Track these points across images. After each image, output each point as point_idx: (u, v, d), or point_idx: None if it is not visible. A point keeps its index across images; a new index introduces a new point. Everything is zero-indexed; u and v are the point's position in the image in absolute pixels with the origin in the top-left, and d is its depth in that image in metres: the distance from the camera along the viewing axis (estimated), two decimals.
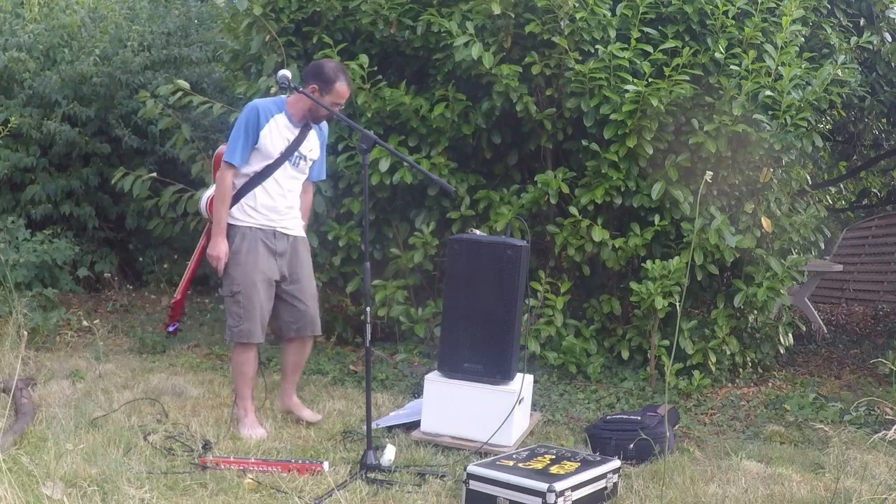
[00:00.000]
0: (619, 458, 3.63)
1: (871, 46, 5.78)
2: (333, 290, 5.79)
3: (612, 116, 4.95)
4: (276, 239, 4.01)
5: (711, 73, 5.11)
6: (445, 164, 5.32)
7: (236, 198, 3.97)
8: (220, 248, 3.93)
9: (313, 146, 4.10)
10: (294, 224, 4.12)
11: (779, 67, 4.96)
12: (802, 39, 5.32)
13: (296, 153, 4.01)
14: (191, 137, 6.17)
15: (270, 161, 3.95)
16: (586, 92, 5.05)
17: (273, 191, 3.98)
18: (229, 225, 3.96)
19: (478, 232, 4.53)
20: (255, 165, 3.96)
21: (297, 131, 4.00)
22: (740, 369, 5.50)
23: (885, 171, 10.62)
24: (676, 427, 4.36)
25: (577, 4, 4.92)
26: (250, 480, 3.35)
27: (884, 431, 3.24)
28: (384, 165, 5.18)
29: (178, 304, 4.21)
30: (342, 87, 3.94)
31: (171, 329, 4.26)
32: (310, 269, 4.19)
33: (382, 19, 5.36)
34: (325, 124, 4.20)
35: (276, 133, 3.95)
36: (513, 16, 5.06)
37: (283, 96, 4.06)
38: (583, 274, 5.40)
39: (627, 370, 5.25)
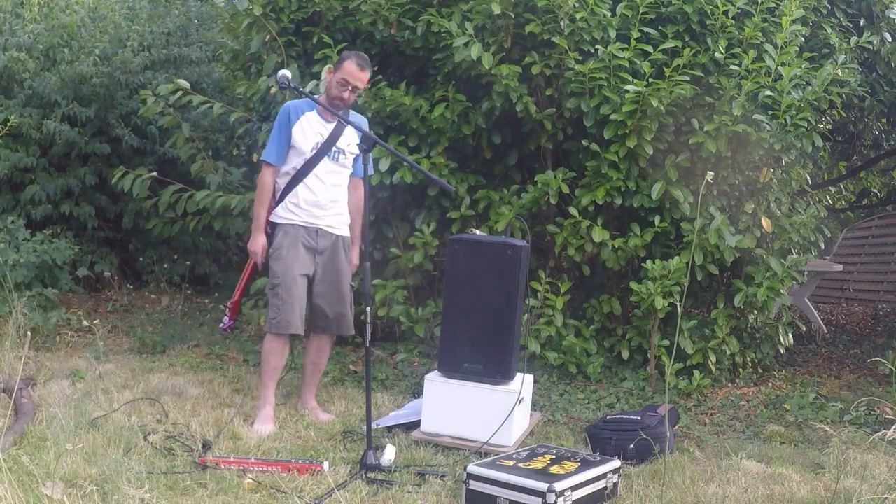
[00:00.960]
0: (619, 458, 3.63)
1: (871, 46, 5.77)
2: None
3: (613, 117, 4.95)
4: (319, 237, 4.14)
5: (711, 73, 5.11)
6: (445, 164, 5.32)
7: (282, 196, 4.13)
8: (257, 244, 4.14)
9: (351, 140, 4.16)
10: (338, 221, 4.22)
11: (779, 67, 4.96)
12: (802, 39, 5.32)
13: (333, 148, 4.12)
14: (190, 137, 6.16)
15: (308, 157, 4.08)
16: (586, 92, 5.05)
17: (314, 186, 4.10)
18: (275, 223, 4.13)
19: (478, 232, 4.53)
20: (295, 163, 4.11)
21: (330, 126, 4.12)
22: (740, 369, 5.50)
23: (885, 171, 10.63)
24: (676, 427, 4.36)
25: (577, 4, 4.92)
26: (250, 480, 3.35)
27: (883, 431, 3.24)
28: (384, 165, 5.18)
29: (235, 305, 4.38)
30: (349, 65, 4.06)
31: (225, 327, 4.40)
32: (344, 271, 4.25)
33: (382, 19, 5.36)
34: (363, 120, 4.27)
35: (308, 129, 4.11)
36: (513, 16, 5.05)
37: (315, 96, 4.20)
38: (583, 274, 5.40)
39: (627, 370, 5.25)
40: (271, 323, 4.11)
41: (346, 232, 4.28)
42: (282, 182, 4.15)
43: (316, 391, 4.47)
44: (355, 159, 4.24)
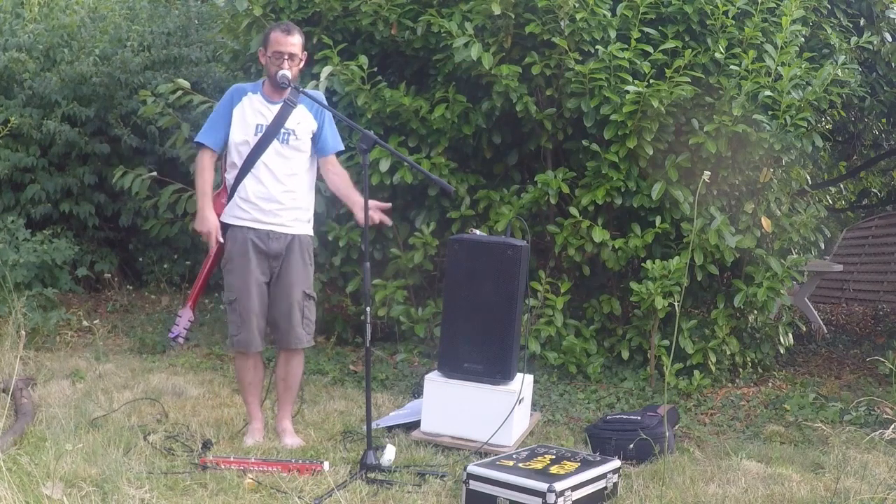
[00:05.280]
0: (619, 458, 3.63)
1: (871, 46, 5.77)
2: (333, 290, 5.79)
3: (613, 117, 4.95)
4: (270, 240, 3.79)
5: (711, 74, 5.11)
6: (445, 164, 5.32)
7: (231, 192, 3.83)
8: (204, 222, 3.77)
9: (302, 119, 3.84)
10: (294, 217, 3.84)
11: (779, 67, 4.96)
12: (802, 39, 5.32)
13: (282, 129, 3.79)
14: (190, 137, 6.16)
15: (253, 143, 3.76)
16: (586, 92, 5.05)
17: (264, 176, 3.76)
18: (226, 224, 3.83)
19: (478, 232, 4.53)
20: (242, 151, 3.79)
21: (275, 108, 3.80)
22: (740, 369, 5.50)
23: (885, 171, 10.63)
24: (676, 427, 4.36)
25: (577, 4, 4.92)
26: (250, 480, 3.35)
27: (881, 430, 3.24)
28: (384, 165, 5.18)
29: (195, 297, 4.03)
30: (275, 35, 3.76)
31: (174, 335, 4.08)
32: (298, 276, 3.84)
33: (382, 20, 5.36)
34: (320, 95, 3.99)
35: (250, 109, 3.81)
36: (513, 16, 5.06)
37: (263, 79, 3.90)
38: (583, 274, 5.40)
39: (627, 370, 5.25)
40: (232, 340, 3.87)
41: (304, 230, 3.88)
42: (230, 176, 3.82)
43: (291, 410, 4.04)
44: (318, 138, 3.88)
